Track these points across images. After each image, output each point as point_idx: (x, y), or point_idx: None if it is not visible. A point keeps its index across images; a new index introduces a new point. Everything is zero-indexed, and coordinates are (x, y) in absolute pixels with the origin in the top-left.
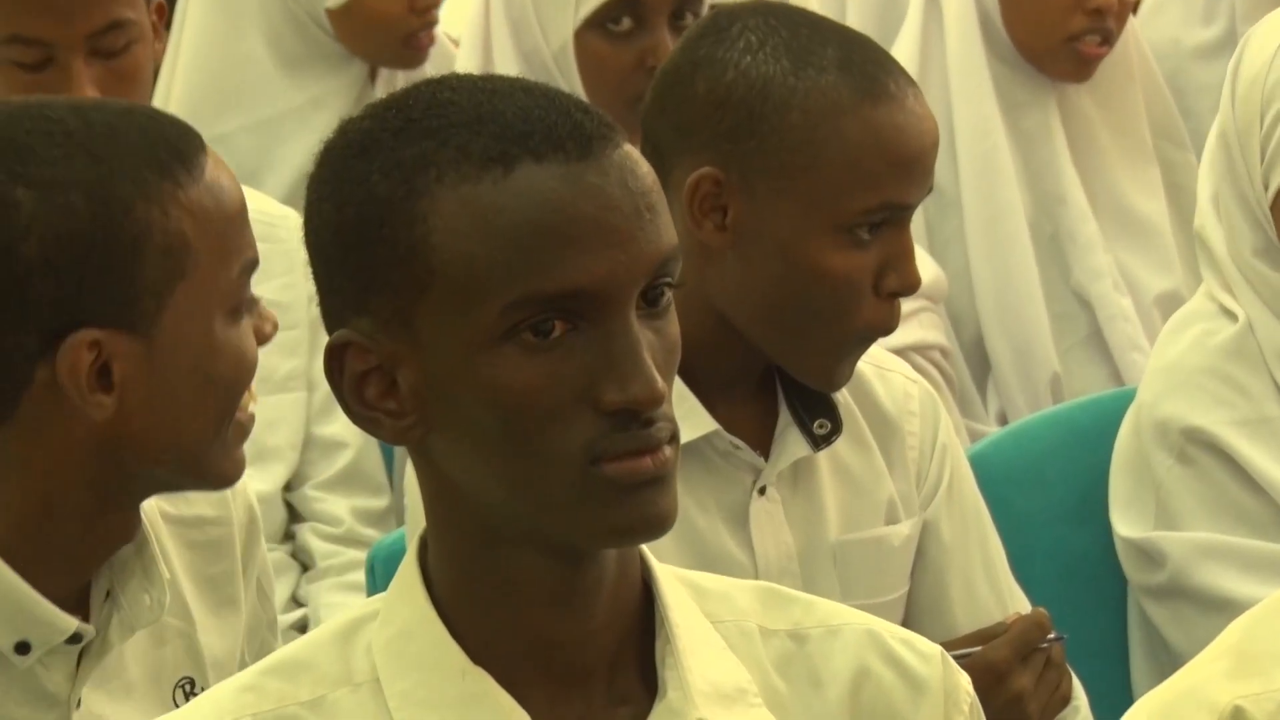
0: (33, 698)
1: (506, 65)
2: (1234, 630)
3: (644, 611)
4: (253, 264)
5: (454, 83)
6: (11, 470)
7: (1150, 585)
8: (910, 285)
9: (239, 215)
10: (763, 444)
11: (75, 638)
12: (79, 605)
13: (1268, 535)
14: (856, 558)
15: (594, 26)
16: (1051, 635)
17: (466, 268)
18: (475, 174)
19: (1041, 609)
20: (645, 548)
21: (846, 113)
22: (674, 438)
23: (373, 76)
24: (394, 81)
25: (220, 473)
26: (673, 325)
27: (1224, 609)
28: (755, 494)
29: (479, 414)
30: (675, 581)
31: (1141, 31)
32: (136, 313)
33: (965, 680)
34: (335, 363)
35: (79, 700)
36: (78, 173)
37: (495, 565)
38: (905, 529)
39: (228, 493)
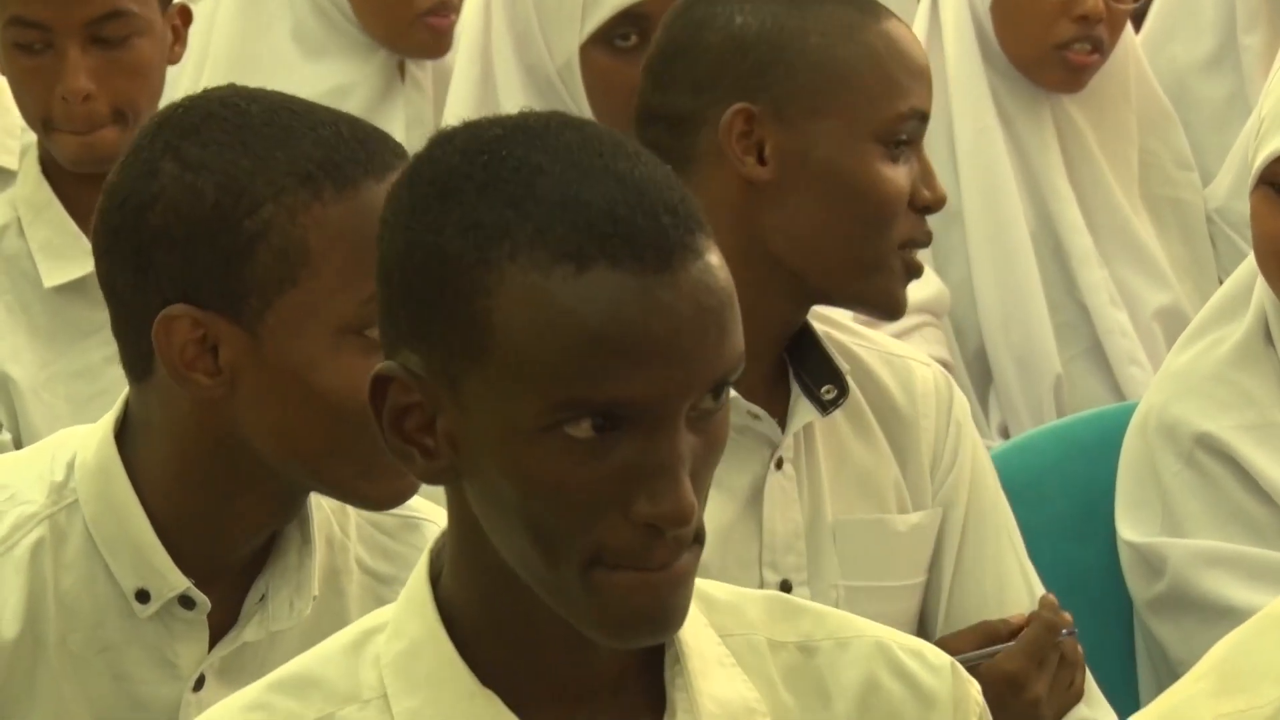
0: (153, 660)
1: (508, 78)
2: (1219, 649)
3: None
4: None
5: (551, 142)
6: (153, 427)
7: (1150, 598)
8: (940, 199)
9: None
10: (779, 420)
11: (189, 603)
12: (231, 603)
13: (1272, 543)
14: (856, 539)
15: (599, 42)
16: (1063, 632)
17: (519, 357)
18: (547, 264)
19: (1050, 597)
20: None
21: (861, 29)
22: (698, 539)
23: (401, 70)
24: (424, 80)
25: (369, 497)
26: (721, 423)
27: (1227, 618)
28: (772, 468)
29: (506, 490)
30: None
31: (1141, 48)
32: (242, 306)
33: (975, 689)
34: (379, 390)
35: (200, 679)
36: (221, 160)
37: (512, 602)
38: (914, 518)
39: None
